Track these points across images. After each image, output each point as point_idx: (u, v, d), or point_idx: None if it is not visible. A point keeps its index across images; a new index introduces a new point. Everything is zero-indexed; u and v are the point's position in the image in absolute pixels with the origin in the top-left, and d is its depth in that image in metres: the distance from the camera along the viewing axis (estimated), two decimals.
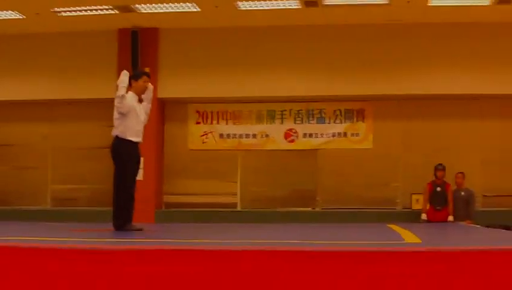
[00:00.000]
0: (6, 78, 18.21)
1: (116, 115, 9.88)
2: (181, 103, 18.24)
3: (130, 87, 10.20)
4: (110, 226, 9.93)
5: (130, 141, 9.94)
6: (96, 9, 16.48)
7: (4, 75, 18.22)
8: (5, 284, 5.22)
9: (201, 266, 5.13)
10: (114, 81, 16.17)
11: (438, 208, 15.98)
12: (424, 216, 16.09)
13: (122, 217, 9.82)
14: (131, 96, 10.10)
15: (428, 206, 16.17)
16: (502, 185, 17.49)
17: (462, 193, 16.27)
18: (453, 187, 16.31)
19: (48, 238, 7.67)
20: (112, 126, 9.97)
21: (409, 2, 15.68)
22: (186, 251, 5.43)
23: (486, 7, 16.06)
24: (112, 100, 14.15)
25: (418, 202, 16.97)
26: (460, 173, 16.40)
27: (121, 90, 9.81)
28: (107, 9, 16.50)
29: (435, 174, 16.16)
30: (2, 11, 16.54)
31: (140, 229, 9.79)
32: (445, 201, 16.07)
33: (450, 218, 15.83)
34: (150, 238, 8.11)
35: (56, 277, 5.21)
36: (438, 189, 16.12)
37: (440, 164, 16.14)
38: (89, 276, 5.14)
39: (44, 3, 15.89)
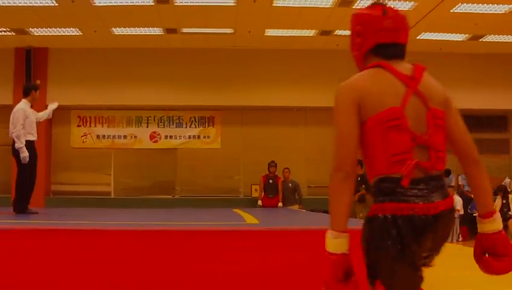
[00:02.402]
0: None
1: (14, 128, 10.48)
2: (65, 109, 19.47)
3: (28, 96, 10.95)
4: (10, 210, 10.77)
5: (28, 141, 10.61)
6: None
7: None
8: None
9: (80, 240, 5.91)
10: (11, 91, 18.83)
11: (270, 196, 18.36)
12: (259, 202, 18.39)
13: (21, 202, 10.58)
14: (26, 104, 10.79)
15: (263, 195, 18.54)
16: (322, 178, 19.42)
17: (290, 184, 18.70)
18: (281, 180, 18.94)
19: None
20: (8, 128, 10.76)
21: (250, 32, 18.55)
22: (70, 230, 6.11)
23: (310, 37, 19.11)
24: (8, 106, 15.73)
25: (256, 191, 19.43)
26: (287, 168, 18.88)
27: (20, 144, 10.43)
28: (5, 31, 18.12)
29: (269, 169, 18.56)
30: None
31: (36, 213, 10.58)
32: (276, 190, 18.45)
33: (280, 204, 18.14)
34: (43, 220, 8.73)
35: None
36: (271, 181, 18.50)
37: (272, 161, 18.59)
38: None
39: None
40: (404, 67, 3.27)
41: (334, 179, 3.13)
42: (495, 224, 3.17)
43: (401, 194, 3.02)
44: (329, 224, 3.13)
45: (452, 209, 3.14)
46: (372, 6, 3.41)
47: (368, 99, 3.10)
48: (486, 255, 3.19)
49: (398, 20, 3.38)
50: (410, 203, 3.00)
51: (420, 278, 3.14)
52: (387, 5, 3.41)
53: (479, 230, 3.22)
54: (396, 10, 3.40)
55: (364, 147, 3.14)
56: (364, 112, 3.09)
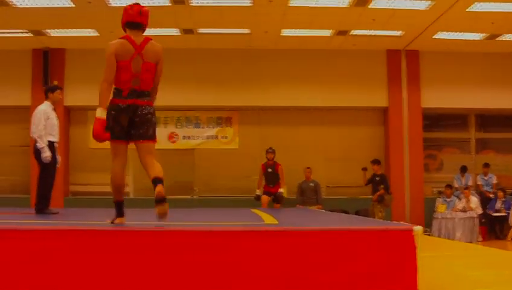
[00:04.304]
0: None
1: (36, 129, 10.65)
2: (83, 110, 19.99)
3: (46, 97, 10.97)
4: (32, 210, 10.92)
5: (49, 141, 10.64)
6: (14, 32, 18.32)
7: None
8: None
9: (100, 240, 5.82)
10: (29, 91, 19.31)
11: (270, 185, 17.77)
12: (257, 191, 17.86)
13: (42, 203, 10.61)
14: (47, 106, 10.85)
15: (263, 184, 17.93)
16: (341, 178, 20.63)
17: (311, 184, 18.55)
18: (301, 179, 19.00)
19: None
20: (27, 129, 11.07)
21: (266, 32, 18.66)
22: (90, 230, 5.98)
23: (327, 37, 19.20)
24: (26, 107, 16.89)
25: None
26: (308, 168, 18.82)
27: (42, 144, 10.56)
28: (23, 33, 18.36)
29: (266, 157, 17.95)
30: None
31: (57, 213, 10.55)
32: (277, 179, 17.72)
33: (281, 189, 17.58)
34: (65, 220, 8.74)
35: None
36: (269, 170, 17.82)
37: (270, 148, 18.00)
38: (20, 251, 5.70)
39: None
40: (139, 38, 7.01)
41: (104, 85, 6.83)
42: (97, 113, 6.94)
43: (120, 97, 6.89)
44: (99, 104, 6.84)
45: (146, 107, 7.03)
46: (131, 4, 7.17)
47: (117, 55, 6.82)
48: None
49: (137, 10, 7.04)
50: (121, 100, 6.88)
51: (121, 135, 7.09)
52: (138, 4, 7.15)
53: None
54: (141, 6, 7.12)
55: (115, 76, 6.84)
56: (116, 59, 6.81)
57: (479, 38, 19.12)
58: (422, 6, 16.21)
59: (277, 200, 17.35)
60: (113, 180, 7.13)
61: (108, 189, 7.29)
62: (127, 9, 7.02)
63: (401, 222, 7.29)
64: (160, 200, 6.69)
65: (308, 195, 18.59)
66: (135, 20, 7.00)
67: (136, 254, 5.80)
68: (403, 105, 20.46)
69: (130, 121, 6.97)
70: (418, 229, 6.00)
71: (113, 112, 6.89)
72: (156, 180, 6.86)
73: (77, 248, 5.81)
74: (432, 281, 6.86)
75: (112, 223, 7.06)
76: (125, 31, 7.06)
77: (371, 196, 17.94)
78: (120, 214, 7.11)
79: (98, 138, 6.91)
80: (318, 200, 18.54)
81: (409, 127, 20.45)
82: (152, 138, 7.23)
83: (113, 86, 6.92)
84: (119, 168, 7.20)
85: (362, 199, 19.36)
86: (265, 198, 17.67)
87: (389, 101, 20.53)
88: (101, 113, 6.81)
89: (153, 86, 7.17)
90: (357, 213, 18.37)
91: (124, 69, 6.80)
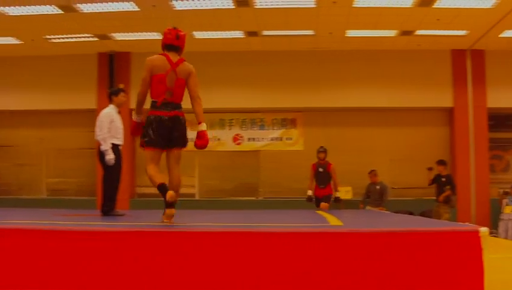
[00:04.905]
0: (14, 91, 20.89)
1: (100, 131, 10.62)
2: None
3: (111, 101, 10.91)
4: (98, 212, 10.99)
5: (113, 144, 10.60)
6: (80, 37, 18.82)
7: (14, 90, 20.89)
8: (11, 259, 5.92)
9: (168, 241, 5.95)
10: (95, 95, 19.81)
11: (321, 186, 16.51)
12: (309, 192, 16.62)
13: (108, 205, 10.57)
14: (112, 109, 10.81)
15: (314, 185, 16.68)
16: (406, 179, 20.44)
17: (377, 187, 17.82)
18: (367, 181, 18.24)
19: (50, 221, 8.09)
20: (93, 132, 10.71)
21: (330, 33, 18.58)
22: (156, 232, 6.14)
23: (392, 37, 19.05)
24: (92, 110, 17.12)
25: (348, 193, 19.27)
26: (373, 170, 18.08)
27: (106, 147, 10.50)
28: (89, 37, 18.85)
29: (317, 156, 16.69)
30: (1, 37, 18.86)
31: (123, 215, 10.54)
32: (328, 179, 16.49)
33: (337, 194, 16.38)
34: (131, 222, 8.71)
35: (55, 254, 5.93)
36: (321, 169, 16.55)
37: (321, 147, 16.77)
38: (87, 252, 5.89)
39: (38, 31, 18.23)
40: (175, 57, 7.78)
41: (140, 94, 7.85)
42: (201, 127, 7.65)
43: (157, 108, 7.60)
44: (136, 111, 8.02)
45: (179, 117, 7.68)
46: (170, 28, 7.95)
47: (153, 68, 7.67)
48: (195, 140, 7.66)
49: (174, 35, 7.84)
50: (159, 111, 7.58)
51: (161, 144, 7.70)
52: (176, 28, 7.94)
53: (199, 128, 7.70)
54: (179, 31, 7.94)
55: (151, 88, 7.69)
56: (152, 73, 7.66)
57: None
58: (488, 4, 15.95)
59: (337, 201, 16.82)
60: (152, 178, 7.71)
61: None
62: (166, 33, 7.94)
63: (467, 223, 7.23)
64: (169, 205, 7.61)
65: (374, 197, 18.01)
66: (173, 43, 7.90)
67: (205, 255, 5.89)
68: (469, 105, 20.15)
69: (170, 131, 7.71)
70: (484, 230, 5.89)
71: (154, 123, 7.64)
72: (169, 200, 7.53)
73: (141, 248, 5.93)
74: (499, 284, 6.75)
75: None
76: (163, 50, 7.92)
77: (435, 197, 17.44)
78: (166, 190, 7.52)
79: (132, 134, 8.29)
80: (382, 202, 17.80)
81: (474, 127, 20.13)
82: (183, 144, 7.99)
83: (151, 100, 7.76)
84: (154, 166, 7.76)
85: (427, 199, 18.81)
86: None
87: (455, 101, 20.25)
88: (134, 116, 8.10)
89: (193, 98, 7.86)
90: (422, 214, 18.16)
91: (160, 81, 7.67)
